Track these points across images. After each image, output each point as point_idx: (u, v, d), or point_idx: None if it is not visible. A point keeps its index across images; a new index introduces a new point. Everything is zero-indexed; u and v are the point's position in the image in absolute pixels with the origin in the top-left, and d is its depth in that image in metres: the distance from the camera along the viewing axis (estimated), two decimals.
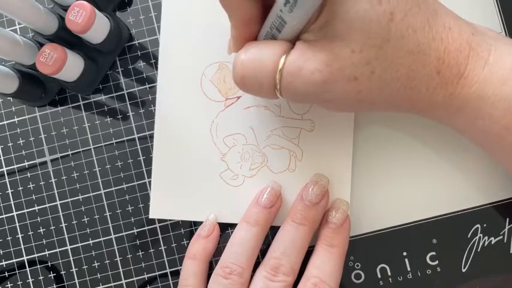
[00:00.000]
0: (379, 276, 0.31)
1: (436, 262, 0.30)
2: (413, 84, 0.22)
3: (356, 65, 0.21)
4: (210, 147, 0.31)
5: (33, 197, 0.32)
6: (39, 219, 0.32)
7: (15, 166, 0.32)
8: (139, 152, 0.32)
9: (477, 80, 0.22)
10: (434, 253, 0.30)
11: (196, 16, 0.31)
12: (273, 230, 0.30)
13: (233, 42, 0.25)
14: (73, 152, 0.32)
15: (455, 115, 0.24)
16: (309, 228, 0.28)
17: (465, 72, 0.22)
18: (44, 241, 0.32)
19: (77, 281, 0.32)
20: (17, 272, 0.32)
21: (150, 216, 0.31)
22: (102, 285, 0.31)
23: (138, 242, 0.32)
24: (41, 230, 0.32)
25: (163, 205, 0.31)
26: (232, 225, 0.31)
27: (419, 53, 0.22)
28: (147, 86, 0.32)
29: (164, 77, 0.31)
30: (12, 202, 0.32)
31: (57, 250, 0.32)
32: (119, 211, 0.32)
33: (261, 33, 0.24)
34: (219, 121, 0.31)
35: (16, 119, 0.32)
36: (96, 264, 0.32)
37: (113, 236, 0.32)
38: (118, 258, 0.32)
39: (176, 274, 0.31)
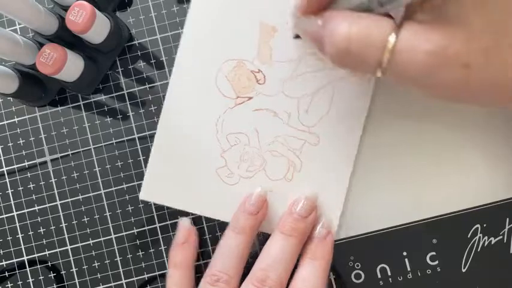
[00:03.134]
0: (379, 276, 0.31)
1: (436, 262, 0.30)
2: None
3: (471, 52, 0.20)
4: (212, 141, 0.30)
5: (33, 197, 0.32)
6: (39, 219, 0.32)
7: (15, 166, 0.32)
8: (139, 152, 0.32)
9: None
10: (434, 253, 0.30)
11: (226, 10, 0.30)
12: (266, 236, 0.30)
13: (306, 1, 0.23)
14: (73, 152, 0.32)
15: None
16: (297, 240, 0.28)
17: None
18: (44, 241, 0.32)
19: (77, 281, 0.32)
20: (17, 271, 0.32)
21: (140, 197, 0.30)
22: (102, 285, 0.31)
23: (138, 242, 0.32)
24: (41, 230, 0.32)
25: (156, 189, 0.30)
26: (222, 227, 0.31)
27: None
28: (147, 86, 0.32)
29: (182, 61, 0.30)
30: (12, 202, 0.32)
31: (57, 250, 0.32)
32: (119, 211, 0.32)
33: (344, 2, 0.22)
34: (226, 117, 0.30)
35: (16, 119, 0.32)
36: (96, 264, 0.32)
37: (113, 236, 0.32)
38: (118, 258, 0.32)
39: None
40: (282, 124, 0.30)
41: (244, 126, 0.30)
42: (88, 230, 0.32)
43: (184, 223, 0.30)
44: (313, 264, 0.28)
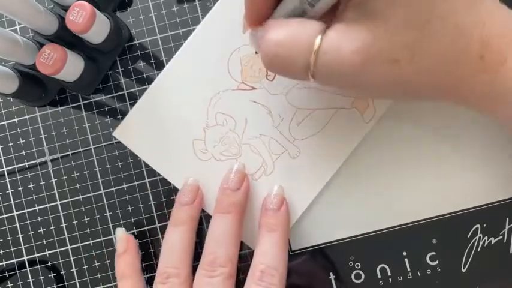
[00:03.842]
0: (379, 276, 0.31)
1: (436, 262, 0.30)
2: (455, 69, 0.21)
3: (397, 47, 0.20)
4: (201, 112, 0.31)
5: (34, 197, 0.32)
6: (39, 219, 0.32)
7: (16, 166, 0.32)
8: None
9: None
10: (434, 253, 0.30)
11: None
12: None
13: (248, 16, 0.23)
14: (73, 152, 0.32)
15: (495, 103, 0.23)
16: (235, 214, 0.28)
17: (508, 58, 0.21)
18: (44, 241, 0.32)
19: (77, 281, 0.32)
20: (17, 271, 0.32)
21: (113, 134, 0.31)
22: (102, 285, 0.31)
23: (138, 241, 0.31)
24: (41, 230, 0.32)
25: (131, 132, 0.31)
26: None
27: (461, 36, 0.21)
28: (147, 86, 0.32)
29: (208, 26, 0.30)
30: (12, 202, 0.32)
31: (58, 250, 0.32)
32: (119, 211, 0.32)
33: (283, 7, 0.23)
34: (223, 96, 0.30)
35: (16, 119, 0.32)
36: (96, 264, 0.32)
37: (113, 236, 0.32)
38: None
39: None
40: (271, 125, 0.30)
41: (236, 112, 0.30)
42: (88, 230, 0.32)
43: (119, 233, 0.31)
44: (270, 237, 0.28)
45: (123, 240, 0.30)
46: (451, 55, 0.21)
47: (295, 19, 0.23)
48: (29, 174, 0.32)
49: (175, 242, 0.29)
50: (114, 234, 0.31)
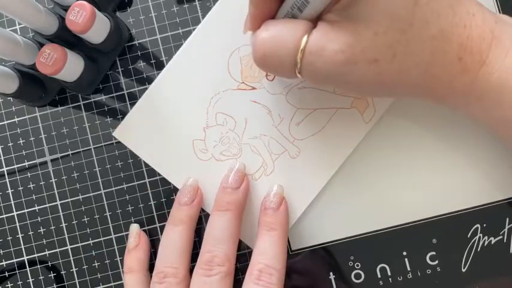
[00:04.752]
0: (379, 276, 0.31)
1: (436, 262, 0.30)
2: (433, 70, 0.22)
3: (378, 48, 0.21)
4: (201, 112, 0.31)
5: (34, 197, 0.32)
6: (39, 219, 0.32)
7: (16, 166, 0.32)
8: None
9: (498, 69, 0.22)
10: (434, 253, 0.30)
11: None
12: None
13: (250, 19, 0.24)
14: (73, 152, 0.32)
15: (474, 103, 0.24)
16: (234, 213, 0.28)
17: (487, 60, 0.22)
18: (44, 241, 0.32)
19: (77, 280, 0.32)
20: (17, 272, 0.32)
21: (113, 134, 0.31)
22: (102, 285, 0.31)
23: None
24: (41, 230, 0.32)
25: (131, 132, 0.31)
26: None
27: (442, 39, 0.21)
28: (147, 86, 0.32)
29: (208, 26, 0.30)
30: (12, 202, 0.32)
31: (58, 250, 0.32)
32: (119, 211, 0.32)
33: (280, 12, 0.24)
34: (224, 96, 0.30)
35: (16, 119, 0.32)
36: (96, 264, 0.32)
37: (113, 236, 0.32)
38: (118, 258, 0.32)
39: None
40: (271, 125, 0.30)
41: (236, 112, 0.30)
42: (88, 230, 0.32)
43: (132, 228, 0.31)
44: (269, 236, 0.28)
45: (136, 235, 0.31)
46: (431, 56, 0.22)
47: (284, 19, 0.24)
48: (29, 174, 0.32)
49: (173, 241, 0.29)
50: (125, 231, 0.31)
